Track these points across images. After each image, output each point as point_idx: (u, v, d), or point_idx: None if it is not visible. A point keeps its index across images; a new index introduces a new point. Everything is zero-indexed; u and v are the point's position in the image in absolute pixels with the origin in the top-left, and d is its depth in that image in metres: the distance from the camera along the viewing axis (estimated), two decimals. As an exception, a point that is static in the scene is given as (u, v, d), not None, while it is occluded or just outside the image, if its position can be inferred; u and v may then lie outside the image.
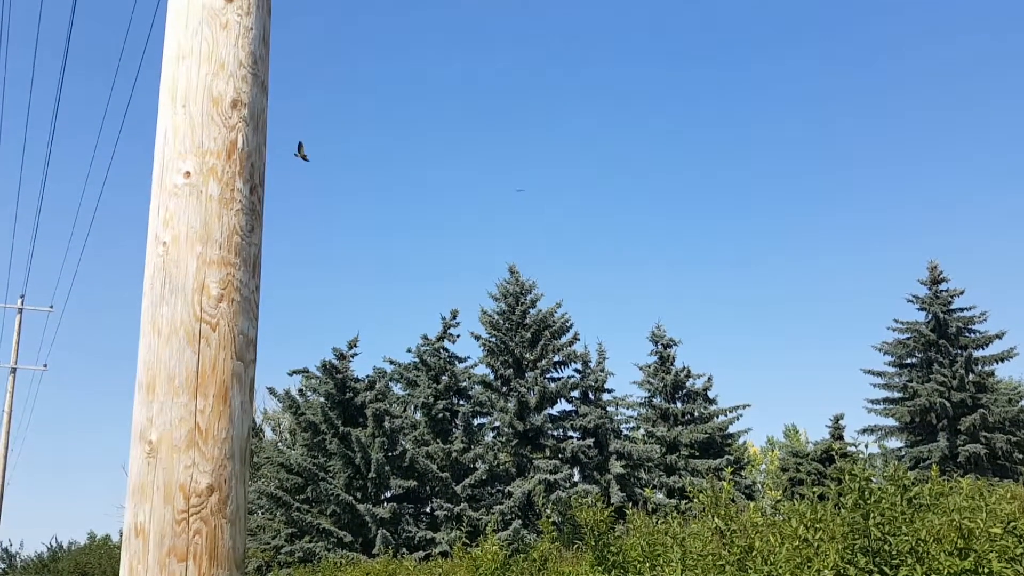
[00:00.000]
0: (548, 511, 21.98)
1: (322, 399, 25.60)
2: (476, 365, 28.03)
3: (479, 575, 13.94)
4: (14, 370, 32.43)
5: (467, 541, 17.77)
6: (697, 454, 28.39)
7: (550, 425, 26.78)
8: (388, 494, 25.19)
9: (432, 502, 24.63)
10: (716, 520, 8.49)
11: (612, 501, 24.57)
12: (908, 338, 32.33)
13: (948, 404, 30.05)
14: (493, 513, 23.57)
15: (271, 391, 28.26)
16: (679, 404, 29.74)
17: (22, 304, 32.14)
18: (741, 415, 29.38)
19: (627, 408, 29.68)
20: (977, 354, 31.54)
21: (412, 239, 80.00)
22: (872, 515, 6.65)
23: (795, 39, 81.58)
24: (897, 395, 32.29)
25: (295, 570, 22.42)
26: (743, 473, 29.76)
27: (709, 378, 29.93)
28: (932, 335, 31.52)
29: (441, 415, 26.38)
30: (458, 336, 27.99)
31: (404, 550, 22.68)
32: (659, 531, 10.13)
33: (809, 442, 45.39)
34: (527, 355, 27.45)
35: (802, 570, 6.92)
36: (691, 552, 8.54)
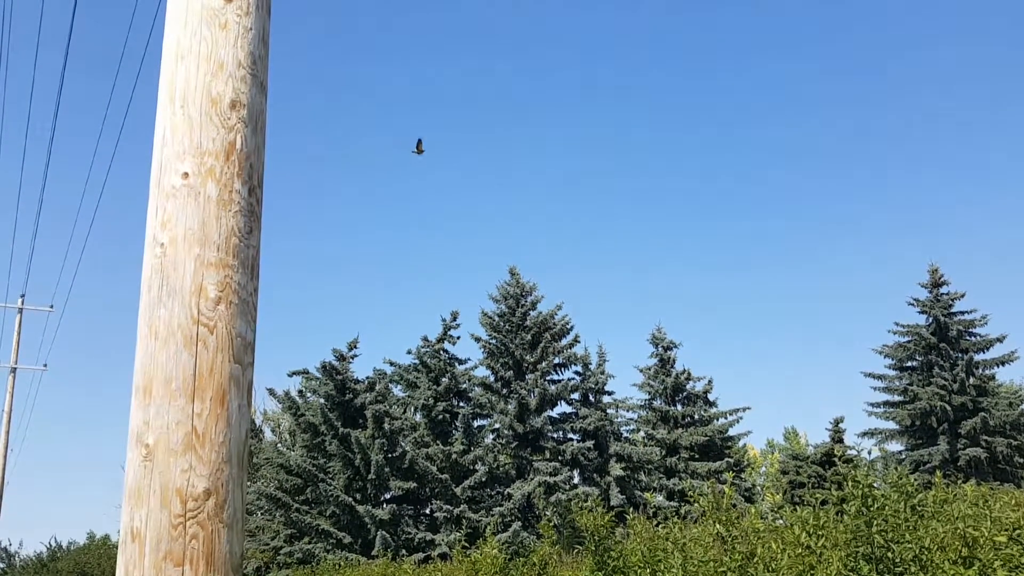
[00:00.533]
0: (548, 513, 21.95)
1: (322, 400, 25.57)
2: (476, 367, 28.03)
3: (478, 578, 13.91)
4: (14, 370, 32.41)
5: (466, 543, 17.73)
6: (697, 457, 28.35)
7: (550, 427, 26.74)
8: (387, 495, 25.15)
9: (432, 504, 24.59)
10: (717, 526, 8.45)
11: (612, 504, 24.53)
12: (909, 341, 32.29)
13: (949, 408, 30.00)
14: (493, 515, 23.53)
15: (271, 392, 28.27)
16: (679, 407, 29.71)
17: (22, 304, 32.12)
18: (741, 418, 29.37)
19: (627, 410, 29.67)
20: (978, 358, 31.49)
21: (412, 240, 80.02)
22: (875, 522, 6.61)
23: (796, 41, 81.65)
24: (897, 398, 32.25)
25: (294, 571, 22.38)
26: (743, 476, 29.72)
27: (709, 381, 29.91)
28: (933, 338, 31.48)
29: (441, 417, 26.35)
30: (458, 338, 28.00)
31: (403, 552, 22.64)
32: (660, 536, 10.09)
33: (809, 445, 45.32)
34: (527, 357, 27.42)
35: (804, 577, 6.88)
36: (692, 558, 8.50)
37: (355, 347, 26.66)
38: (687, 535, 9.44)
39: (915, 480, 7.44)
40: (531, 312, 28.21)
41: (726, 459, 28.05)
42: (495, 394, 27.20)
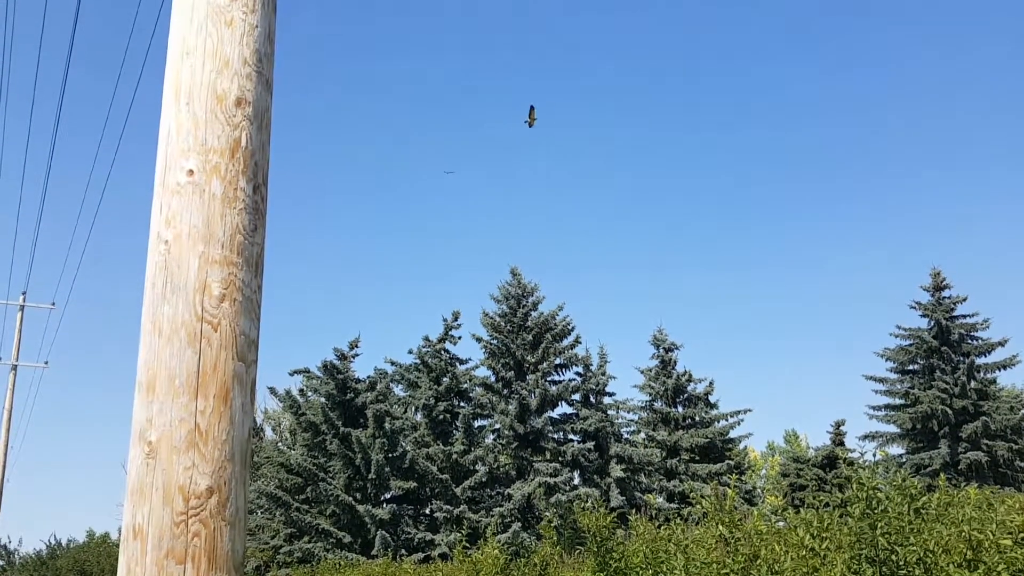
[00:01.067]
0: (548, 514, 21.94)
1: (323, 399, 25.58)
2: (477, 367, 28.03)
3: (478, 578, 13.89)
4: (15, 367, 32.43)
5: (467, 544, 17.73)
6: (698, 458, 28.34)
7: (551, 428, 26.74)
8: (388, 495, 25.16)
9: (432, 504, 24.59)
10: (720, 527, 8.44)
11: (612, 505, 24.51)
12: (910, 344, 32.26)
13: (950, 411, 29.97)
14: (493, 515, 23.52)
15: (272, 391, 28.27)
16: (680, 408, 29.70)
17: (24, 301, 32.15)
18: (742, 420, 29.35)
19: (628, 412, 29.66)
20: (979, 361, 31.46)
21: (415, 240, 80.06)
22: (879, 524, 6.59)
23: (799, 43, 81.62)
24: (899, 402, 32.22)
25: (294, 570, 22.39)
26: (743, 478, 29.70)
27: (710, 382, 29.89)
28: (934, 342, 31.44)
29: (442, 417, 26.36)
30: (459, 338, 28.01)
31: (403, 552, 22.64)
32: (661, 537, 10.07)
33: (810, 448, 45.31)
34: (528, 357, 27.41)
35: (807, 579, 6.86)
36: (694, 560, 8.48)
37: (356, 346, 26.67)
38: (689, 537, 9.43)
39: (917, 483, 7.42)
40: (532, 312, 28.21)
41: (727, 461, 28.04)
42: (496, 394, 27.20)
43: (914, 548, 6.49)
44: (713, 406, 29.69)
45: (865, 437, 32.50)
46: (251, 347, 2.30)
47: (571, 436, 27.29)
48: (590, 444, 26.43)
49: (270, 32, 2.58)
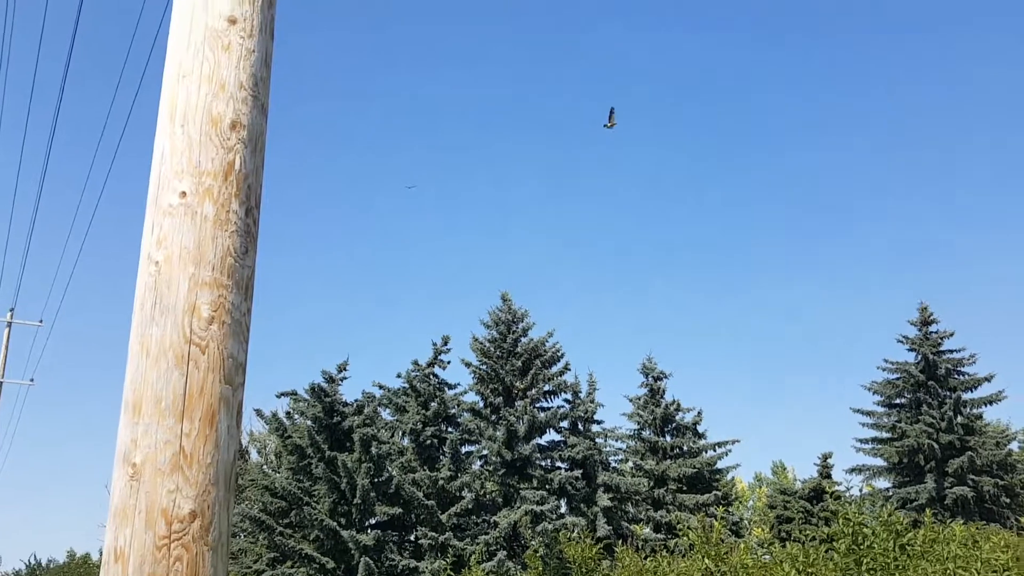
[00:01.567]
0: (534, 543, 21.77)
1: (309, 422, 25.38)
2: (466, 392, 27.91)
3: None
4: (0, 384, 32.12)
5: (451, 572, 17.55)
6: (685, 488, 28.22)
7: (538, 455, 26.60)
8: (372, 521, 24.91)
9: (417, 530, 24.36)
10: (706, 560, 8.40)
11: (599, 535, 24.34)
12: (897, 378, 32.37)
13: (936, 446, 30.01)
14: (478, 543, 23.32)
15: (258, 413, 28.03)
16: (668, 438, 29.63)
17: (11, 318, 31.91)
18: (730, 450, 29.29)
19: (616, 440, 29.57)
20: (966, 396, 31.56)
21: (405, 264, 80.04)
22: (864, 560, 6.57)
23: (782, 72, 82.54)
24: (886, 435, 32.25)
25: (275, 596, 22.08)
26: (730, 509, 29.59)
27: (699, 412, 29.86)
28: (921, 376, 31.56)
29: (429, 442, 26.19)
30: (448, 363, 27.89)
31: (387, 578, 22.38)
32: (647, 570, 10.00)
33: (797, 480, 45.22)
34: (517, 384, 27.34)
35: (792, 613, 6.82)
36: (679, 591, 8.42)
37: (344, 369, 26.52)
38: (675, 569, 9.36)
39: (903, 518, 7.41)
40: (522, 338, 28.17)
41: (714, 492, 27.93)
42: (484, 420, 27.07)
43: (900, 584, 6.47)
44: (701, 436, 29.63)
45: (852, 470, 32.49)
46: (239, 370, 2.30)
47: (559, 464, 27.16)
48: (577, 472, 26.29)
49: (267, 57, 2.60)
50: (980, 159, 73.99)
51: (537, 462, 26.65)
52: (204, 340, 2.23)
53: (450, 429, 26.77)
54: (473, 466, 26.18)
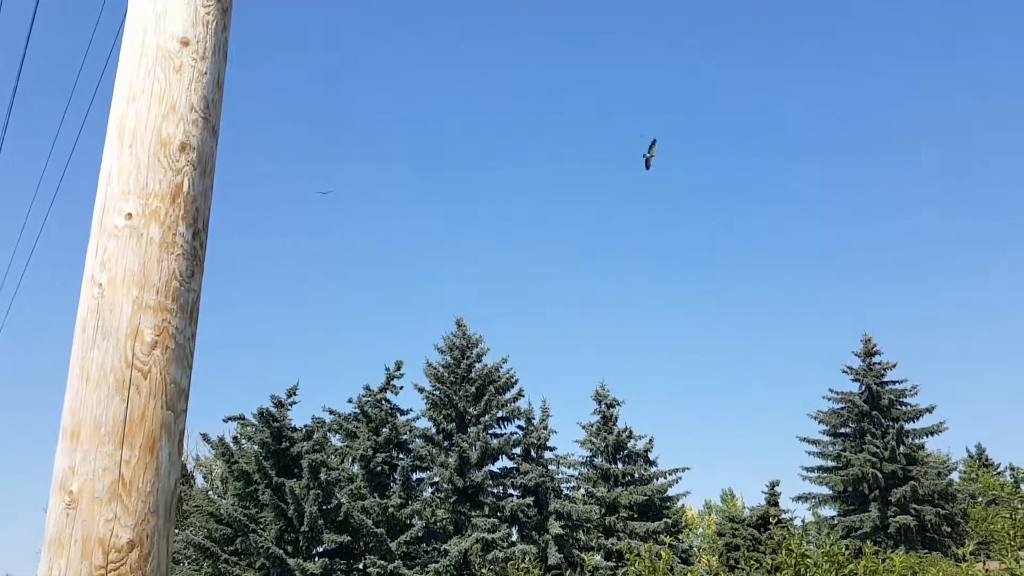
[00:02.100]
0: (485, 571, 21.58)
1: (257, 447, 24.92)
2: (418, 418, 27.72)
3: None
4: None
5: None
6: (636, 516, 28.31)
7: (490, 482, 26.47)
8: (320, 549, 24.46)
9: (365, 559, 23.99)
10: (653, 587, 8.41)
11: (549, 563, 24.24)
12: (842, 408, 33.02)
13: (880, 475, 30.61)
14: (428, 572, 23.04)
15: (204, 437, 27.47)
16: (620, 465, 29.74)
17: (-54, 336, 30.88)
18: (680, 478, 29.51)
19: (568, 467, 29.59)
20: (908, 427, 32.31)
21: (359, 288, 79.46)
22: (807, 590, 6.65)
23: (737, 96, 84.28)
24: (831, 464, 32.82)
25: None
26: (680, 537, 29.73)
27: (651, 439, 30.08)
28: (865, 406, 32.25)
29: (379, 468, 25.89)
30: (401, 388, 27.68)
31: (333, 608, 21.96)
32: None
33: (746, 507, 45.65)
34: (471, 409, 27.24)
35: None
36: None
37: (294, 394, 26.14)
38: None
39: (846, 547, 7.52)
40: (476, 364, 28.13)
41: (664, 519, 28.07)
42: (436, 446, 26.88)
43: (843, 614, 6.55)
44: (652, 463, 29.82)
45: (799, 498, 32.96)
46: (181, 396, 2.26)
47: (511, 491, 27.05)
48: (529, 499, 26.21)
49: (219, 79, 2.59)
50: (930, 185, 76.39)
51: (489, 489, 26.51)
52: (147, 365, 2.19)
53: (401, 456, 26.51)
54: (424, 493, 25.94)
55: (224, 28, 2.68)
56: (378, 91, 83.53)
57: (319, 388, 76.60)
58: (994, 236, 72.06)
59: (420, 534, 24.39)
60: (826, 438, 33.35)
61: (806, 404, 69.61)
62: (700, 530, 52.35)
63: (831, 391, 33.20)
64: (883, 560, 7.86)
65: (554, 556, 25.05)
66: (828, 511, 33.18)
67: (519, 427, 28.11)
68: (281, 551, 22.86)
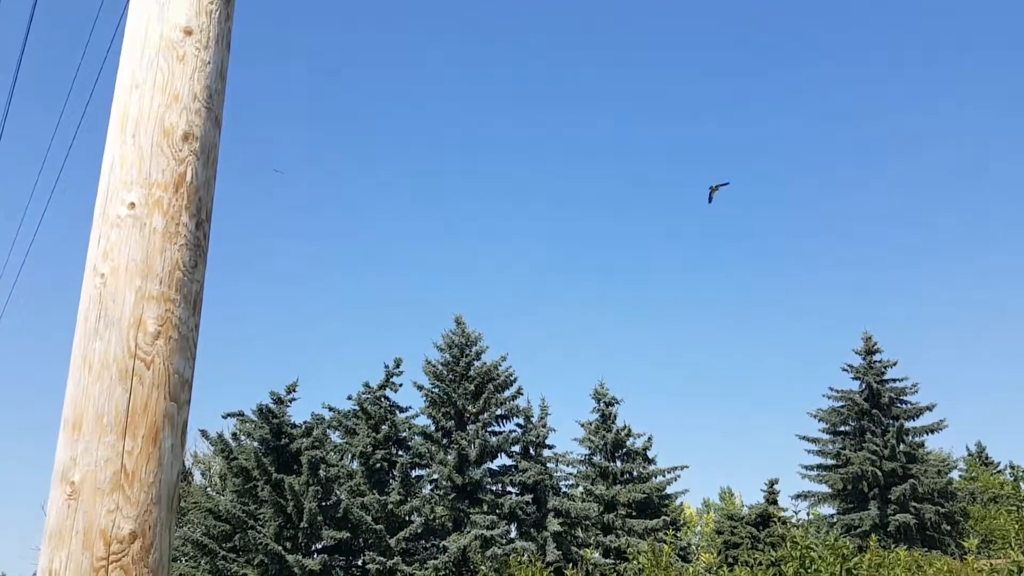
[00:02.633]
0: (484, 568, 21.59)
1: (256, 444, 24.91)
2: (417, 415, 27.71)
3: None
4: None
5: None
6: (635, 514, 28.31)
7: (489, 480, 26.47)
8: (319, 545, 24.46)
9: (364, 555, 23.99)
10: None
11: (548, 559, 24.25)
12: (842, 406, 33.01)
13: (880, 473, 30.61)
14: (427, 568, 23.05)
15: (203, 434, 27.42)
16: (619, 463, 29.74)
17: (-55, 332, 30.84)
18: (679, 476, 29.52)
19: (567, 465, 29.60)
20: (908, 425, 32.30)
21: (358, 285, 79.42)
22: (811, 584, 6.64)
23: (740, 107, 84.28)
24: (831, 462, 32.81)
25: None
26: (679, 535, 29.75)
27: (649, 438, 30.07)
28: (865, 404, 32.24)
29: (379, 465, 25.89)
30: (400, 385, 27.69)
31: (332, 605, 21.96)
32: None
33: (744, 506, 45.66)
34: (469, 407, 27.23)
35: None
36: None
37: (294, 390, 26.12)
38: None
39: (849, 543, 7.52)
40: (475, 362, 28.11)
41: (663, 517, 28.07)
42: (435, 444, 26.87)
43: (845, 609, 6.55)
44: (651, 461, 29.82)
45: (797, 496, 32.96)
46: (184, 387, 2.24)
47: (509, 488, 27.05)
48: (528, 497, 26.21)
49: (222, 69, 2.57)
50: (931, 186, 76.40)
51: (488, 486, 26.51)
52: (149, 355, 2.17)
53: (400, 452, 26.51)
54: (423, 490, 25.94)
55: (227, 18, 2.66)
56: (378, 91, 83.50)
57: (319, 385, 76.56)
58: (994, 236, 72.10)
59: (419, 531, 24.39)
60: (826, 436, 33.36)
61: (805, 402, 69.71)
62: (698, 528, 52.37)
63: (831, 389, 33.22)
64: (888, 556, 7.85)
65: (552, 553, 25.05)
66: (827, 509, 33.20)
67: (518, 425, 28.13)
68: (280, 548, 22.86)
